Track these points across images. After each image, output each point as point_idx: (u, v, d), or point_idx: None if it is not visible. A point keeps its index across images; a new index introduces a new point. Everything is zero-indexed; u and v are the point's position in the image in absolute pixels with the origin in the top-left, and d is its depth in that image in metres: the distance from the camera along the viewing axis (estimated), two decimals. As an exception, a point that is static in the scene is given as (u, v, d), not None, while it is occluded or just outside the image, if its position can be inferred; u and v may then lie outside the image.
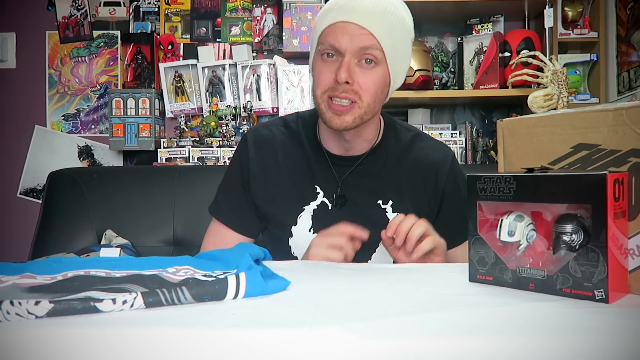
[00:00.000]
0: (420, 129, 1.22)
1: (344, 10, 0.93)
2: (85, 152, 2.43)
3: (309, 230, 1.03)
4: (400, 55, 0.97)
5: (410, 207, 1.04)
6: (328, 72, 0.94)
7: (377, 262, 1.04)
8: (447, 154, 1.11)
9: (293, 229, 1.04)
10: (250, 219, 1.08)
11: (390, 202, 1.05)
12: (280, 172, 1.06)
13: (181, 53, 2.43)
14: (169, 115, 2.40)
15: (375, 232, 1.04)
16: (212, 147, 2.30)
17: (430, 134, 2.24)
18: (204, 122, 2.34)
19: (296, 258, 1.04)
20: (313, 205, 1.04)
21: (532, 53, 2.03)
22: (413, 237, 0.86)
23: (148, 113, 2.30)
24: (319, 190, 1.04)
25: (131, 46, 2.37)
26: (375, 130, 1.07)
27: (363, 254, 1.03)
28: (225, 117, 2.36)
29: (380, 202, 1.04)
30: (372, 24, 0.92)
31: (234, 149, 2.26)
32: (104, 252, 1.34)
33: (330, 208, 1.03)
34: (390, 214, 1.04)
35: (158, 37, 2.40)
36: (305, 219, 1.03)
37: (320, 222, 1.03)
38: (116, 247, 1.48)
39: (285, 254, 1.04)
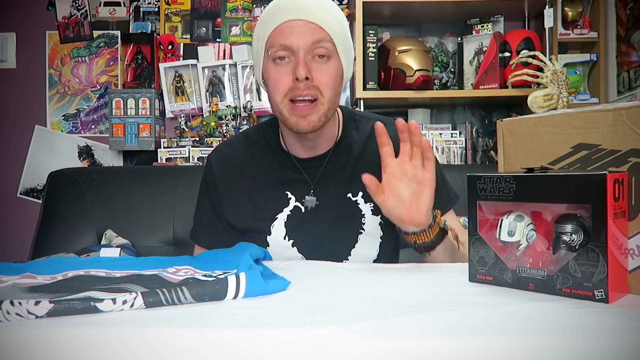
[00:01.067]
0: (388, 119, 1.18)
1: (287, 11, 0.93)
2: (85, 152, 2.43)
3: (284, 238, 1.02)
4: (348, 46, 0.98)
5: None
6: (284, 74, 0.93)
7: (357, 257, 1.04)
8: None
9: (268, 238, 1.03)
10: (228, 236, 1.07)
11: (361, 194, 1.04)
12: (247, 187, 1.06)
13: (181, 53, 2.43)
14: (169, 115, 2.40)
15: (351, 227, 1.04)
16: (212, 147, 2.30)
17: (430, 135, 2.26)
18: (204, 122, 2.35)
19: None
20: (286, 211, 1.03)
21: (532, 53, 2.04)
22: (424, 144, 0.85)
23: (148, 113, 2.30)
24: (290, 195, 1.04)
25: (131, 46, 2.37)
26: (335, 126, 1.07)
27: (342, 249, 1.03)
28: (225, 117, 2.36)
29: (350, 195, 1.04)
30: (319, 17, 0.92)
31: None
32: (104, 252, 1.34)
33: (303, 211, 1.03)
34: (363, 205, 1.04)
35: (158, 37, 2.40)
36: (278, 227, 1.03)
37: (294, 228, 1.02)
38: (116, 247, 1.47)
39: None
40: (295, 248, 1.02)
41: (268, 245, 1.03)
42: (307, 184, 1.04)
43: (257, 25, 0.98)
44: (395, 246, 1.12)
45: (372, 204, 1.04)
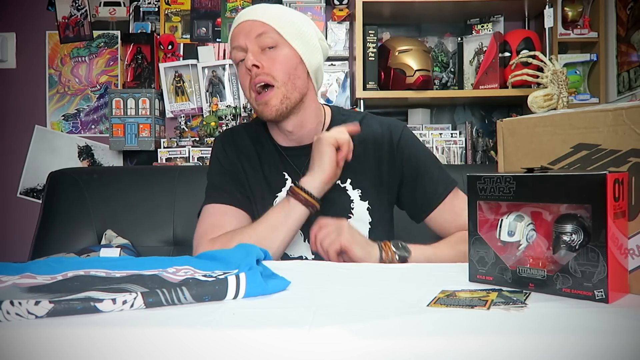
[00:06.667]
0: (405, 124, 1.29)
1: (238, 19, 1.07)
2: (85, 152, 2.43)
3: None
4: (302, 37, 1.05)
5: (370, 182, 1.10)
6: (244, 71, 1.05)
7: None
8: (397, 126, 1.16)
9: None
10: (248, 197, 1.12)
11: (349, 181, 1.09)
12: (251, 165, 1.12)
13: (181, 53, 2.43)
14: (169, 115, 2.39)
15: (340, 212, 1.08)
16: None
17: (430, 134, 2.25)
18: (204, 122, 2.34)
19: None
20: (283, 192, 1.09)
21: (532, 53, 2.03)
22: (326, 250, 0.93)
23: (148, 113, 2.29)
24: (287, 176, 1.10)
25: (131, 46, 2.37)
26: (317, 118, 1.13)
27: None
28: (225, 117, 2.36)
29: (338, 182, 1.08)
30: (261, 15, 1.04)
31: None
32: (104, 252, 1.35)
33: None
34: (351, 191, 1.09)
35: (158, 37, 2.40)
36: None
37: None
38: (116, 247, 1.47)
39: None
40: None
41: None
42: (296, 171, 1.10)
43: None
44: (389, 231, 1.15)
45: (360, 190, 1.10)
